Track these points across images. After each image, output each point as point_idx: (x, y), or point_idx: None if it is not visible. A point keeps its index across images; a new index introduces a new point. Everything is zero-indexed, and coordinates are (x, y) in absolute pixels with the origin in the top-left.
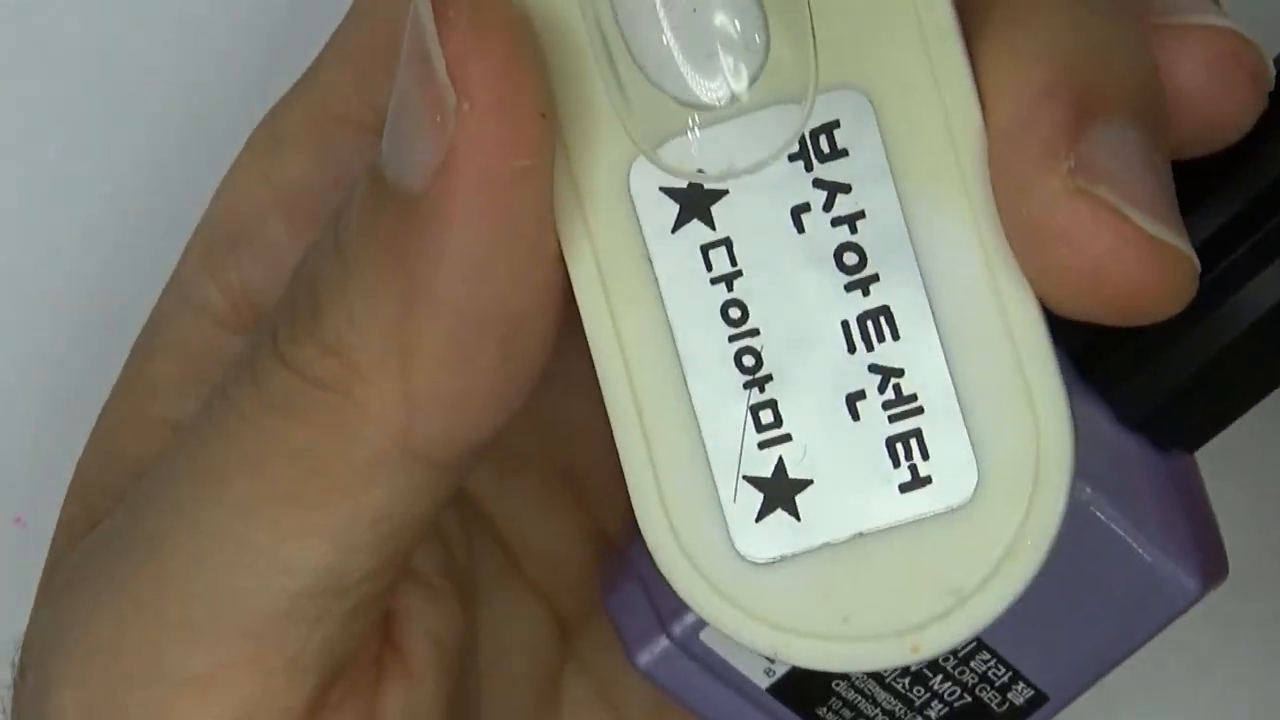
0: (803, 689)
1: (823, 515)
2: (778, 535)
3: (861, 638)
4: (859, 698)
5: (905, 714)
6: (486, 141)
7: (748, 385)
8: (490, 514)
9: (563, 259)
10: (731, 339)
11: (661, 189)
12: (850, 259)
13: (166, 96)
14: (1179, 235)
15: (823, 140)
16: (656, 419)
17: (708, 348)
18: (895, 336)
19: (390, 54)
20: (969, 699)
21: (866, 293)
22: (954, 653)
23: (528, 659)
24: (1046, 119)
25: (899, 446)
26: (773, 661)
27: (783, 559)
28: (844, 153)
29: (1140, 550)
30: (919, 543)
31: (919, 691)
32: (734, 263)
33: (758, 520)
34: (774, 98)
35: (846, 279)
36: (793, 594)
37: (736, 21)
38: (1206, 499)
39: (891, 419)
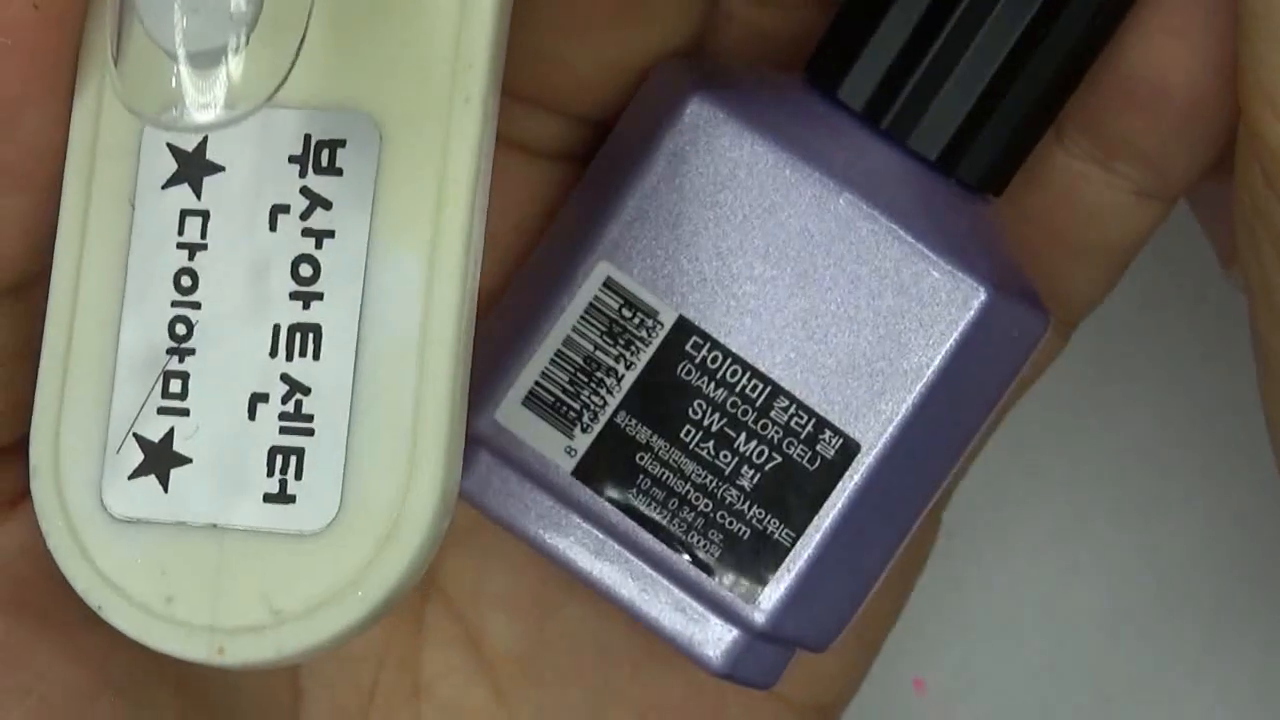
0: (607, 468)
1: (189, 496)
2: (142, 499)
3: (175, 621)
4: (667, 473)
5: (718, 486)
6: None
7: (170, 351)
8: None
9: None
10: (174, 304)
11: (168, 145)
12: (305, 270)
13: None
14: None
15: (325, 154)
16: (81, 352)
17: (150, 304)
18: (316, 356)
19: None
20: (778, 458)
21: (307, 306)
22: (750, 403)
23: None
24: None
25: (279, 458)
26: None
27: (138, 522)
28: (339, 171)
29: (922, 250)
30: (262, 554)
31: (726, 457)
32: (203, 235)
33: (130, 478)
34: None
35: (294, 287)
36: (134, 558)
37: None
38: (1011, 245)
39: (283, 430)
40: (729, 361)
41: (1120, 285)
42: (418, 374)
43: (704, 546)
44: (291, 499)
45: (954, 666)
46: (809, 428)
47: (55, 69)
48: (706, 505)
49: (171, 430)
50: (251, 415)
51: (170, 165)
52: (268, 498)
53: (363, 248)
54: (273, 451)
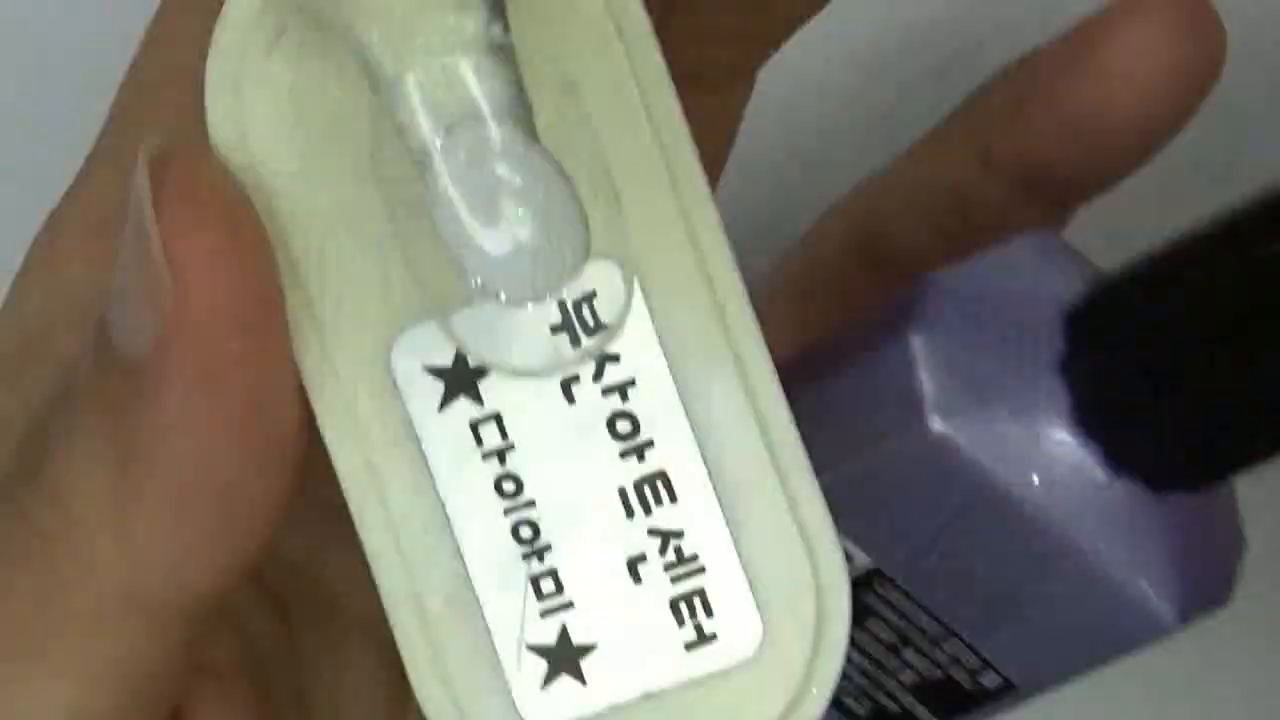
0: None
1: (609, 678)
2: (564, 700)
3: None
4: None
5: (880, 675)
6: (201, 324)
7: (526, 556)
8: (311, 576)
9: (302, 429)
10: (507, 512)
11: (426, 368)
12: (624, 427)
13: None
14: None
15: (585, 313)
16: (435, 600)
17: (483, 523)
18: (673, 499)
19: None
20: (940, 674)
21: (642, 458)
22: (923, 632)
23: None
24: None
25: (683, 606)
26: None
27: None
28: (604, 326)
29: (1111, 575)
30: (707, 698)
31: (893, 662)
32: (504, 436)
33: (543, 687)
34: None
35: (621, 446)
36: None
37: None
38: (1212, 531)
39: (674, 580)
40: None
41: None
42: (774, 470)
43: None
44: (713, 637)
45: None
46: (974, 664)
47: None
48: (864, 681)
49: (564, 627)
50: (637, 579)
51: (437, 386)
52: (689, 646)
53: (668, 381)
54: (674, 603)
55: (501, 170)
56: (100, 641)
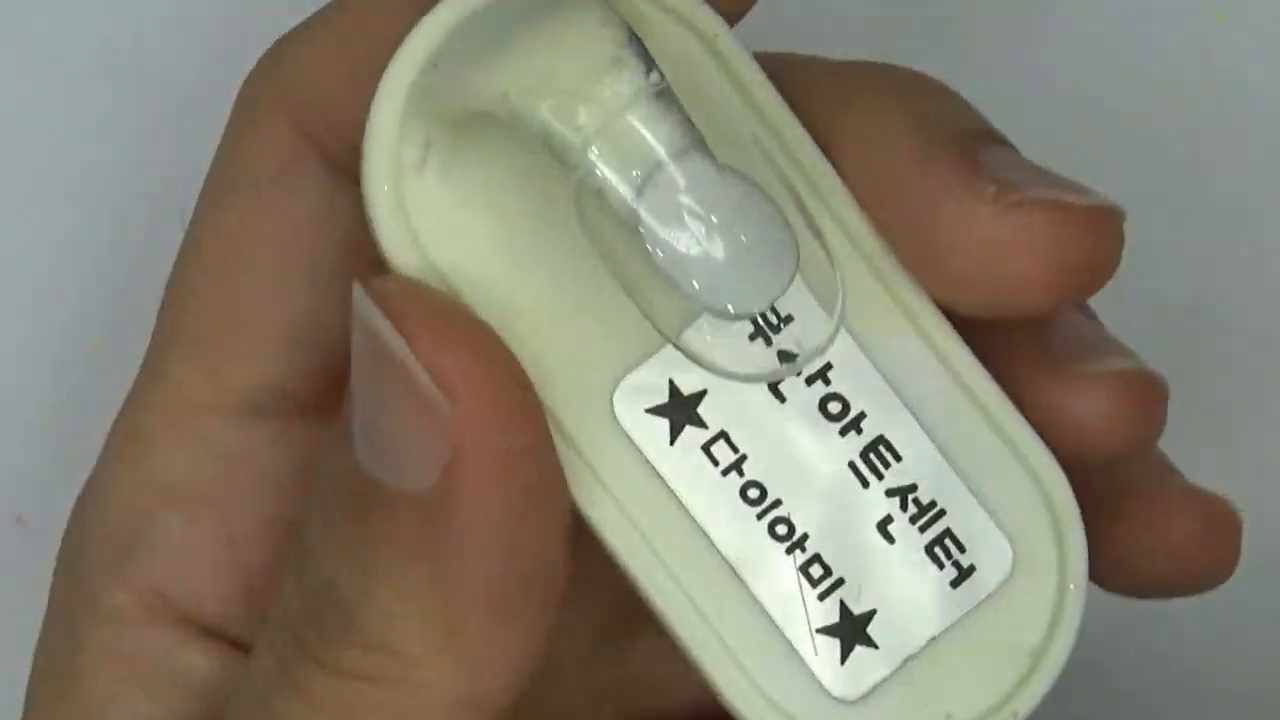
0: None
1: (896, 635)
2: (864, 669)
3: None
4: None
5: None
6: (483, 430)
7: (789, 550)
8: None
9: (572, 504)
10: (759, 516)
11: (646, 410)
12: (835, 408)
13: (167, 93)
14: (1098, 195)
15: (769, 312)
16: (720, 615)
17: (743, 534)
18: (898, 459)
19: (231, 330)
20: None
21: (860, 431)
22: None
23: None
24: (940, 165)
25: (938, 550)
26: None
27: (875, 687)
28: (790, 319)
29: None
30: (985, 623)
31: None
32: (735, 450)
33: (842, 663)
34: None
35: (838, 426)
36: (896, 713)
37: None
38: None
39: (922, 529)
40: None
41: None
42: (968, 397)
43: None
44: (971, 569)
45: None
46: None
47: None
48: None
49: (842, 603)
50: (890, 540)
51: (662, 424)
52: (954, 583)
53: (861, 356)
54: (929, 548)
55: (701, 200)
56: None
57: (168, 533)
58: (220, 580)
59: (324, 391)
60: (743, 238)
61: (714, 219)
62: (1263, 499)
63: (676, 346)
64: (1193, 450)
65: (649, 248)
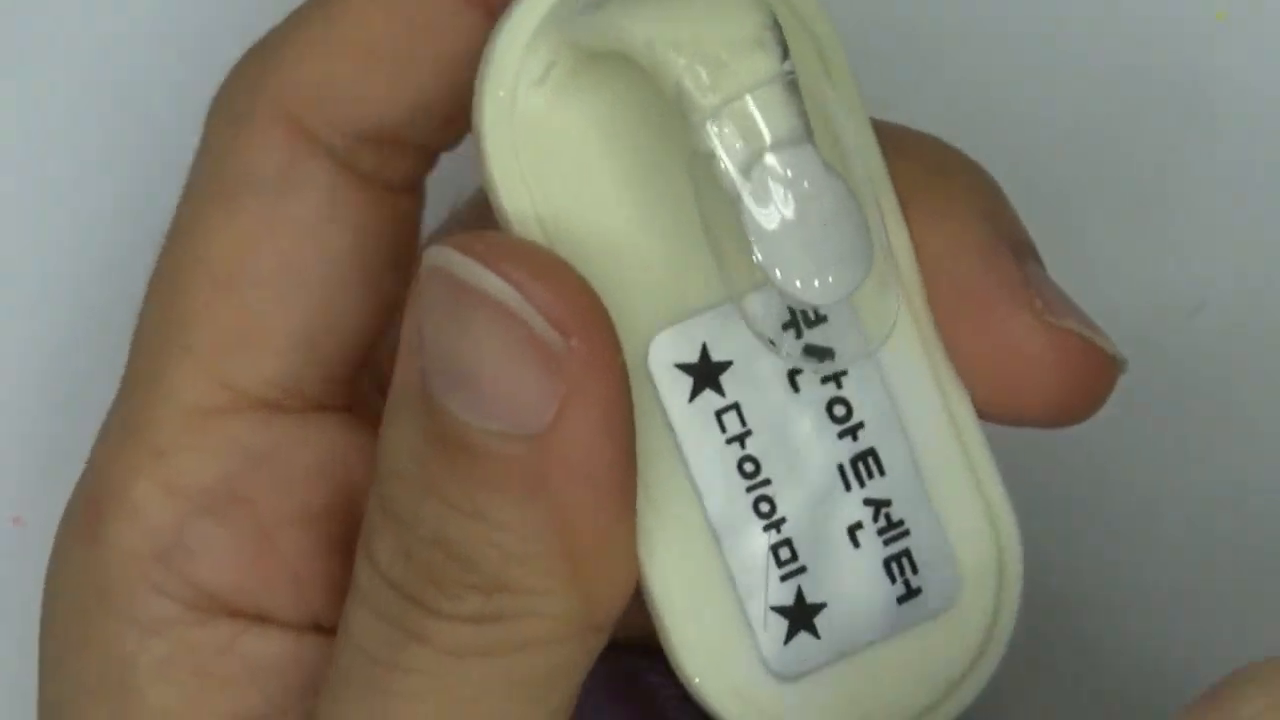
0: None
1: (839, 632)
2: (803, 653)
3: None
4: None
5: None
6: (598, 364)
7: (766, 528)
8: None
9: None
10: (749, 489)
11: (676, 365)
12: (839, 411)
13: (167, 94)
14: (1112, 343)
15: (806, 312)
16: (690, 570)
17: (730, 501)
18: (882, 473)
19: (242, 338)
20: None
21: (855, 438)
22: None
23: None
24: (1002, 263)
25: (894, 565)
26: None
27: (809, 672)
28: (824, 319)
29: None
30: (918, 644)
31: None
32: (744, 424)
33: (785, 642)
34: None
35: (838, 428)
36: (822, 702)
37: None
38: None
39: (886, 543)
40: None
41: None
42: (957, 439)
43: None
44: (919, 591)
45: None
46: None
47: None
48: None
49: (799, 589)
50: (856, 544)
51: (686, 380)
52: (900, 600)
53: (875, 373)
54: (887, 562)
55: (804, 189)
56: (569, 680)
57: (202, 536)
58: (262, 571)
59: (337, 387)
60: (829, 234)
61: (809, 211)
62: (1263, 498)
63: (737, 306)
64: (1193, 449)
65: (742, 219)
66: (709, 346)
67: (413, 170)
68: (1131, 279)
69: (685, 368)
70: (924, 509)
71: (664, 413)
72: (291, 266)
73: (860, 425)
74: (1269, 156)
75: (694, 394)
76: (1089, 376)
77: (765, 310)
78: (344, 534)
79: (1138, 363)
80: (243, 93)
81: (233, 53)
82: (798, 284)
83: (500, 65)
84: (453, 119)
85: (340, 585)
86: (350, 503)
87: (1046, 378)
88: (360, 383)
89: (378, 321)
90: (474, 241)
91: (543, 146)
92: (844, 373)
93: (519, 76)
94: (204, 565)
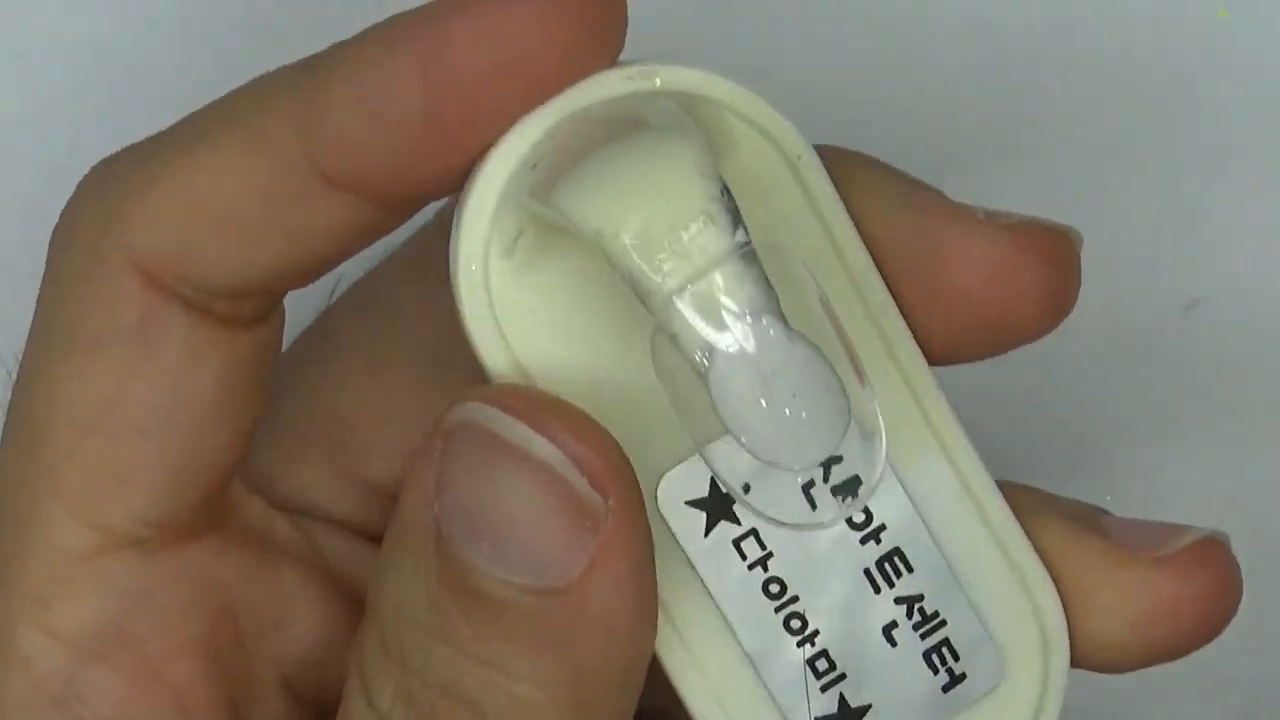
0: None
1: None
2: None
3: None
4: None
5: None
6: (631, 517)
7: (800, 644)
8: None
9: None
10: (777, 610)
11: (687, 502)
12: (859, 518)
13: (166, 94)
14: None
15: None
16: (733, 700)
17: (760, 625)
18: (909, 570)
19: (110, 480)
20: None
21: (879, 541)
22: None
23: None
24: (928, 195)
25: (934, 656)
26: None
27: None
28: (839, 459)
29: None
30: None
31: None
32: (763, 547)
33: None
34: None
35: (859, 534)
36: None
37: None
38: None
39: (923, 636)
40: None
41: None
42: (985, 524)
43: None
44: (963, 677)
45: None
46: None
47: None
48: None
49: (842, 696)
50: (893, 644)
51: (699, 515)
52: (945, 688)
53: (891, 475)
54: (926, 655)
55: (769, 361)
56: None
57: (92, 682)
58: (152, 707)
59: (207, 513)
60: (800, 403)
61: (777, 382)
62: (1263, 498)
63: (740, 500)
64: (1193, 449)
65: (712, 397)
66: (716, 480)
67: (272, 304)
68: (1127, 275)
69: (696, 503)
70: (957, 596)
71: (682, 550)
72: (156, 410)
73: (882, 528)
74: (1268, 154)
75: (709, 528)
76: (1057, 254)
77: (732, 461)
78: (226, 654)
79: (1133, 358)
80: (94, 234)
81: (233, 52)
82: (774, 457)
83: (468, 242)
84: (318, 268)
85: (223, 707)
86: (230, 623)
87: (1031, 277)
88: (227, 497)
89: (244, 442)
90: (508, 397)
91: (520, 307)
92: (854, 479)
93: (488, 248)
94: (97, 710)
